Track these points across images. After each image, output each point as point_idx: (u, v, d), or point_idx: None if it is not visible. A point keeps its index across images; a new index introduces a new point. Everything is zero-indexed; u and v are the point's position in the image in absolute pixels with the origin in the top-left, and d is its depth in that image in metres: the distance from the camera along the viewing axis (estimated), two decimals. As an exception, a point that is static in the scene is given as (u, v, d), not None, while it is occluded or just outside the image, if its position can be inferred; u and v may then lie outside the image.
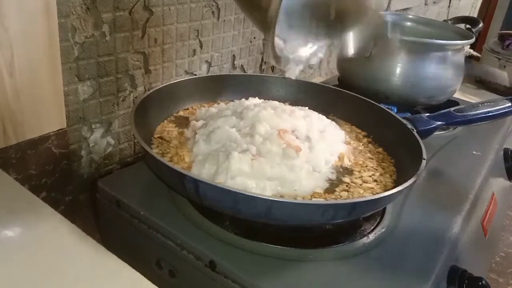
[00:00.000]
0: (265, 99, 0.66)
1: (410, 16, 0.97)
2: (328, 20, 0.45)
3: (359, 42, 0.47)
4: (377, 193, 0.50)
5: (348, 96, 0.68)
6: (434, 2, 1.52)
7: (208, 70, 0.73)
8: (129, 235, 0.52)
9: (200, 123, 0.57)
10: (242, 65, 0.81)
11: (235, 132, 0.53)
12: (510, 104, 0.64)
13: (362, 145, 0.61)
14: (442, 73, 0.78)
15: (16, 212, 0.39)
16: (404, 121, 0.59)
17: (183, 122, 0.61)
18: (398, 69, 0.77)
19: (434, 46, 0.77)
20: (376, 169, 0.55)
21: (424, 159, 0.50)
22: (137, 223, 0.49)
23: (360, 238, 0.48)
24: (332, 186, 0.51)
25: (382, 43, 0.76)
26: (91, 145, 0.59)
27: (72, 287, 0.33)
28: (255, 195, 0.40)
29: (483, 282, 0.49)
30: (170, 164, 0.43)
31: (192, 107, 0.66)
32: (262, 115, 0.55)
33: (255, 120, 0.54)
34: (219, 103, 0.67)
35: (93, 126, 0.58)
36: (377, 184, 0.52)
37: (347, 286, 0.43)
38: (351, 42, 0.47)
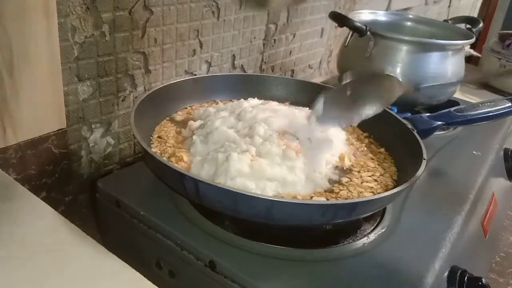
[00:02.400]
0: (265, 99, 0.66)
1: (410, 16, 0.97)
2: None
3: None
4: (378, 193, 0.50)
5: (348, 96, 0.68)
6: (435, 2, 1.52)
7: (208, 70, 0.73)
8: (129, 235, 0.52)
9: (197, 123, 0.57)
10: (242, 65, 0.81)
11: (234, 133, 0.52)
12: (510, 104, 0.64)
13: (365, 145, 0.61)
14: (442, 73, 0.78)
15: (16, 212, 0.39)
16: (405, 121, 0.59)
17: (183, 122, 0.61)
18: (398, 69, 0.77)
19: (434, 46, 0.77)
20: (377, 169, 0.55)
21: (424, 159, 0.49)
22: (137, 223, 0.49)
23: (360, 238, 0.48)
24: (332, 187, 0.51)
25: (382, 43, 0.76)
26: (91, 145, 0.59)
27: (72, 287, 0.33)
28: (255, 195, 0.40)
29: (483, 282, 0.49)
30: (170, 164, 0.43)
31: (191, 107, 0.66)
32: (261, 117, 0.55)
33: (254, 122, 0.54)
34: (217, 103, 0.67)
35: (93, 126, 0.58)
36: (377, 184, 0.52)
37: (347, 286, 0.43)
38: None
